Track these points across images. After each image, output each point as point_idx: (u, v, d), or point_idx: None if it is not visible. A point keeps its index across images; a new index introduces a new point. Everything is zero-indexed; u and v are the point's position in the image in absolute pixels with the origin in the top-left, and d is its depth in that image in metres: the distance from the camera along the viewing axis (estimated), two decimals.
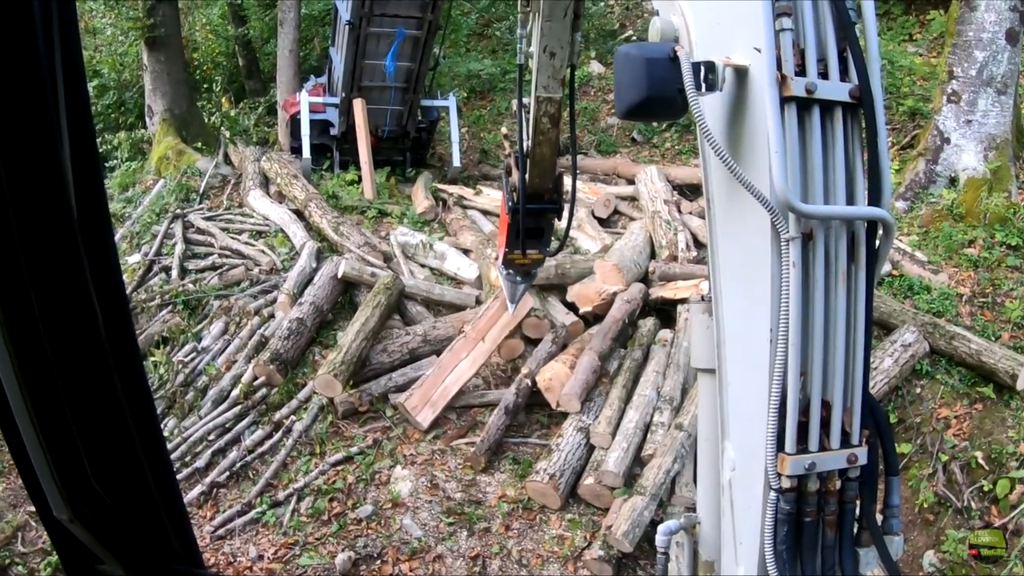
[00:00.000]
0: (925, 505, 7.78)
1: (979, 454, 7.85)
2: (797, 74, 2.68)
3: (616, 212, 12.53)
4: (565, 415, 8.75)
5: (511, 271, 6.43)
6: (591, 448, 8.43)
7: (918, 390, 8.52)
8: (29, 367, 1.48)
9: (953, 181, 11.19)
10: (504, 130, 6.54)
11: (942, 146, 11.31)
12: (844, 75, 2.76)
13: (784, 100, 2.66)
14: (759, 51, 2.67)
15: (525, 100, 5.56)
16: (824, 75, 2.74)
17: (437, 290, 10.67)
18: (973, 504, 7.66)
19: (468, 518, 8.13)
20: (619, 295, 9.60)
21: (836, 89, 2.74)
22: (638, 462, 8.20)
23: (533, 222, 5.90)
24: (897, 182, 11.49)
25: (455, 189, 13.66)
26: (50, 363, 1.48)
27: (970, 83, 11.12)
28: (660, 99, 2.76)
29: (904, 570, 7.52)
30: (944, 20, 13.40)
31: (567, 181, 5.89)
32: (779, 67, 2.65)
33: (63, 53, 1.39)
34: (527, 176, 5.62)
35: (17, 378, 1.47)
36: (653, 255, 10.54)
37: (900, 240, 10.32)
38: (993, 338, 8.82)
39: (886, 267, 9.64)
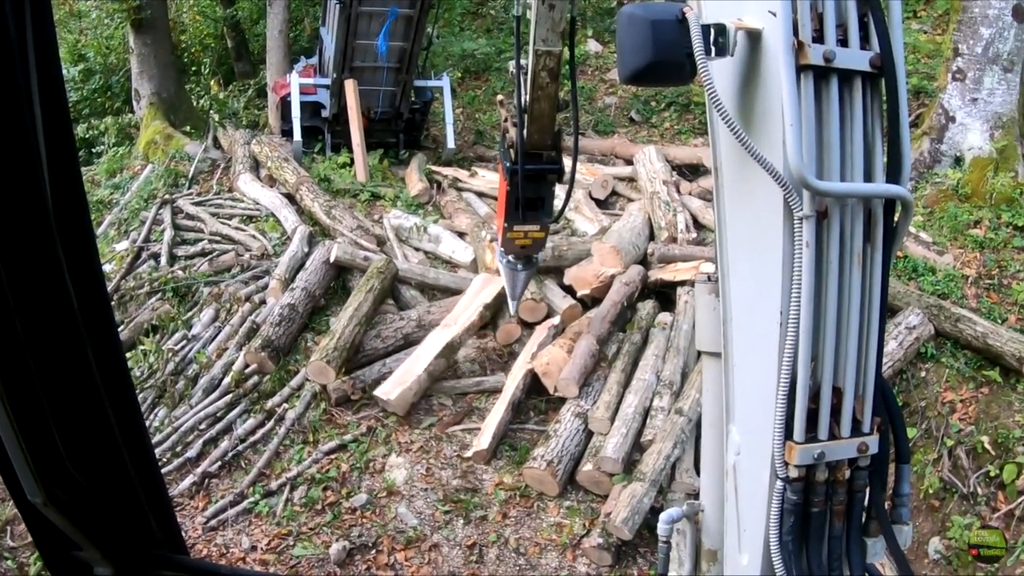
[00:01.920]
0: (930, 491, 7.76)
1: (985, 439, 7.83)
2: (815, 40, 2.52)
3: (614, 193, 12.44)
4: (563, 400, 8.67)
5: (511, 257, 6.24)
6: (589, 434, 8.37)
7: (923, 373, 8.50)
8: None
9: (958, 160, 11.09)
10: (500, 96, 6.39)
11: (947, 125, 11.18)
12: (864, 42, 2.59)
13: (800, 69, 2.51)
14: (774, 15, 2.50)
15: (523, 57, 5.41)
16: (843, 42, 2.57)
17: (432, 274, 10.59)
18: (979, 490, 7.69)
19: (464, 506, 8.08)
20: (617, 278, 9.53)
21: (856, 57, 2.58)
22: (637, 448, 8.14)
23: (533, 190, 5.73)
24: None
25: (450, 171, 13.54)
26: (22, 342, 1.41)
27: (976, 61, 10.97)
28: (666, 64, 2.60)
29: (909, 557, 7.43)
30: None
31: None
32: (795, 33, 2.49)
33: (35, 32, 1.34)
34: (525, 134, 5.46)
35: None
36: (652, 237, 10.50)
37: None
38: (999, 320, 8.80)
39: None
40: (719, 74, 2.69)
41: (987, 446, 7.76)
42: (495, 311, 9.65)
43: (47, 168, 1.38)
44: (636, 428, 8.17)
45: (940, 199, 10.66)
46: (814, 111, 2.55)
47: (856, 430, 2.78)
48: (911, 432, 8.09)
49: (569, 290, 9.83)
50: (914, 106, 12.77)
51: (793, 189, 2.51)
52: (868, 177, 2.66)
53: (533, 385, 8.98)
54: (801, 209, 2.53)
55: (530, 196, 5.75)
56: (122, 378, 1.70)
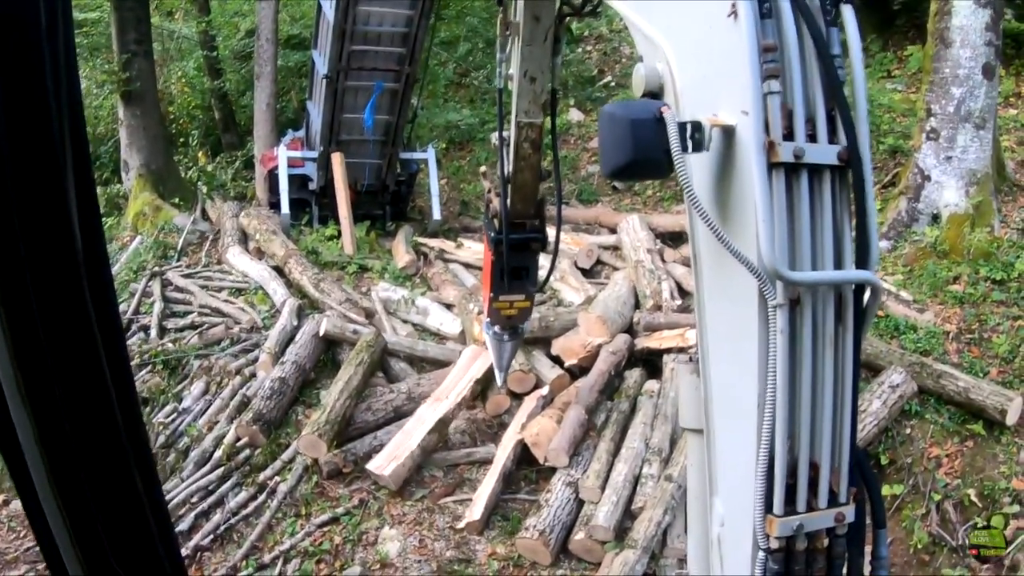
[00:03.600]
0: (920, 546, 7.76)
1: (972, 491, 7.89)
2: (785, 138, 2.60)
3: (599, 262, 12.48)
4: (553, 470, 8.67)
5: (497, 328, 6.29)
6: (581, 502, 8.35)
7: (908, 430, 8.52)
8: (55, 456, 1.50)
9: (935, 218, 11.22)
10: (483, 168, 6.48)
11: (923, 184, 11.34)
12: (832, 135, 2.69)
13: (772, 166, 2.58)
14: (746, 114, 2.60)
15: (505, 129, 5.49)
16: (812, 137, 2.67)
17: (420, 346, 10.62)
18: (968, 542, 7.62)
19: None
20: (604, 347, 9.55)
21: (824, 152, 2.66)
22: (628, 515, 8.12)
23: (517, 260, 5.80)
24: (880, 221, 11.49)
25: (436, 243, 13.64)
26: (76, 457, 1.52)
27: (948, 119, 11.16)
28: (646, 161, 2.69)
29: None
30: (921, 56, 13.50)
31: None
32: (767, 131, 2.57)
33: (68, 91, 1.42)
34: (509, 203, 5.54)
35: (47, 472, 1.50)
36: (637, 305, 10.49)
37: (885, 280, 10.32)
38: (981, 374, 8.86)
39: None
40: (696, 167, 2.79)
41: (974, 498, 7.81)
42: (485, 383, 9.66)
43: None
44: (627, 496, 8.17)
45: (919, 257, 10.77)
46: (786, 204, 2.62)
47: (833, 501, 2.83)
48: (899, 489, 8.11)
49: (557, 360, 9.85)
50: (891, 165, 12.97)
51: (767, 280, 2.57)
52: (838, 264, 2.72)
53: (524, 455, 8.96)
54: (775, 298, 2.60)
55: (515, 266, 5.80)
56: (153, 478, 1.76)
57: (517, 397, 9.64)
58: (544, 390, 9.47)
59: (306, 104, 15.54)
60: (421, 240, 13.85)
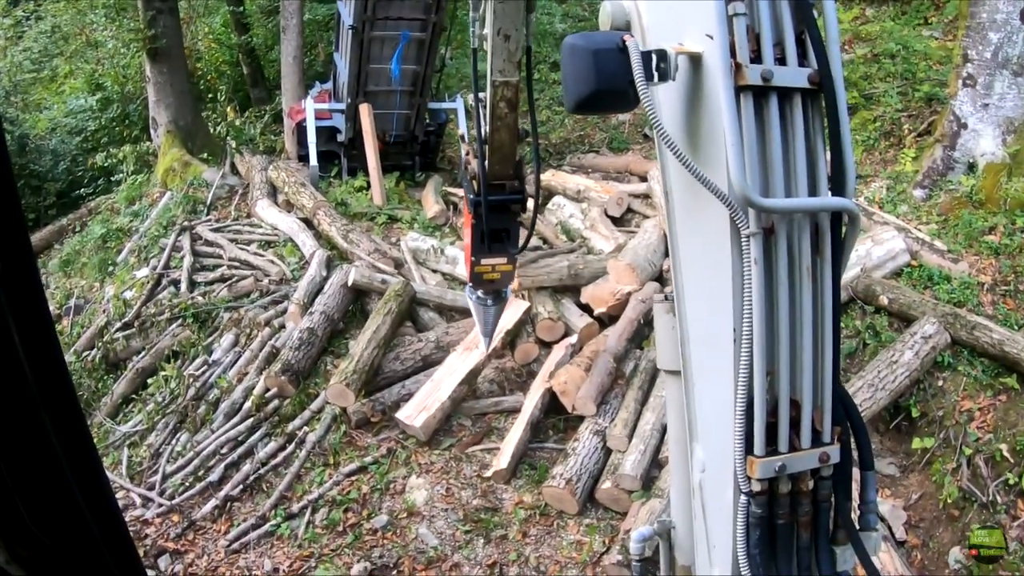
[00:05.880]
0: (949, 500, 7.67)
1: (1004, 447, 7.75)
2: (752, 61, 2.53)
3: (630, 210, 12.36)
4: (581, 419, 8.67)
5: (481, 293, 6.22)
6: (608, 451, 8.35)
7: (940, 382, 8.41)
8: None
9: (971, 167, 10.98)
10: (461, 131, 6.34)
11: (959, 131, 11.10)
12: (803, 59, 2.62)
13: (740, 89, 2.52)
14: (711, 38, 2.53)
15: (481, 89, 5.41)
16: (781, 60, 2.59)
17: (449, 295, 10.56)
18: (999, 498, 7.57)
19: (485, 525, 8.07)
20: (633, 295, 9.49)
21: (794, 75, 2.59)
22: (656, 464, 8.11)
23: (497, 221, 5.71)
24: (914, 170, 11.33)
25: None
26: None
27: (985, 66, 10.90)
28: (610, 92, 2.63)
29: (930, 568, 7.45)
30: (958, 2, 13.21)
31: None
32: (733, 54, 2.50)
33: None
34: (487, 164, 5.47)
35: None
36: (667, 253, 10.31)
37: (919, 229, 10.18)
38: (1016, 327, 8.71)
39: (904, 258, 9.51)
40: (665, 99, 2.76)
41: (1006, 454, 7.68)
42: (514, 332, 9.65)
43: None
44: (654, 445, 8.14)
45: (954, 207, 10.59)
46: (755, 130, 2.56)
47: (817, 441, 2.79)
48: (930, 442, 8.03)
49: (586, 308, 9.83)
50: (927, 113, 12.75)
51: (738, 208, 2.52)
52: (813, 192, 2.66)
53: (551, 404, 8.96)
54: (747, 227, 2.54)
55: (495, 228, 5.72)
56: (81, 436, 1.69)
57: (546, 345, 9.63)
58: (573, 338, 9.44)
59: (333, 56, 15.47)
60: (450, 190, 13.79)
